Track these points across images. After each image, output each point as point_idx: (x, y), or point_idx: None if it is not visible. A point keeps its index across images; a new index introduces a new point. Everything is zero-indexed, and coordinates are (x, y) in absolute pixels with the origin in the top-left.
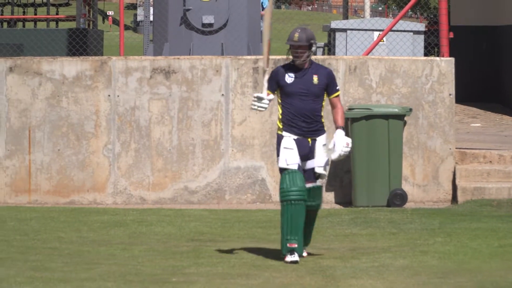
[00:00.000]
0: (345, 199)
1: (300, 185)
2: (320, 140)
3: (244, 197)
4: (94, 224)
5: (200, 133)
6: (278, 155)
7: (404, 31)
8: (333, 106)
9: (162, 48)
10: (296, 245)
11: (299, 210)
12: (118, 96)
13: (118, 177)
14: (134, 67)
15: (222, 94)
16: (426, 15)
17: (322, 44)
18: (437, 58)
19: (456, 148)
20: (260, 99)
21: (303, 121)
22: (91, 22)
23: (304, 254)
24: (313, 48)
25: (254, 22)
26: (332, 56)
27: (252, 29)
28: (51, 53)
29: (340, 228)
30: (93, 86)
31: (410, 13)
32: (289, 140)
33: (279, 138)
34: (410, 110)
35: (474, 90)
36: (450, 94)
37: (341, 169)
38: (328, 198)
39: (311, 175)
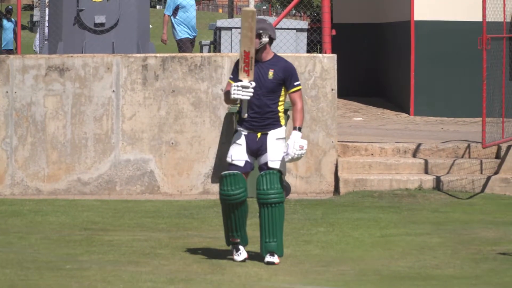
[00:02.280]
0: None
1: (240, 186)
2: (273, 134)
3: (134, 188)
4: None
5: (92, 127)
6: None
7: (288, 28)
8: (292, 103)
9: (56, 47)
10: (239, 240)
11: (242, 209)
12: (15, 92)
13: (15, 169)
14: (31, 65)
15: (113, 90)
16: (309, 13)
17: (208, 42)
18: (320, 55)
19: (338, 141)
20: (245, 87)
21: (253, 116)
22: None
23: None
24: (264, 39)
25: (143, 21)
26: (218, 54)
27: (141, 28)
28: None
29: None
30: None
31: (294, 11)
32: (239, 135)
33: (234, 132)
34: None
35: (356, 85)
36: (332, 89)
37: (226, 161)
38: (214, 189)
39: (266, 169)
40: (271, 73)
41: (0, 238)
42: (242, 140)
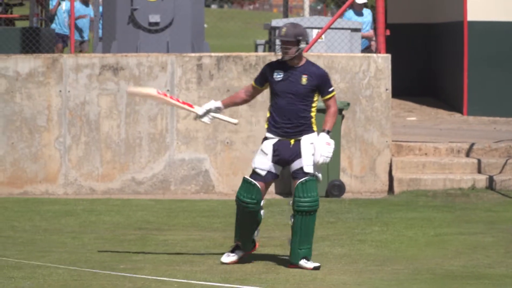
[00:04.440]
0: (286, 190)
1: (253, 197)
2: (306, 139)
3: (188, 187)
4: (46, 213)
5: (146, 126)
6: None
7: (342, 28)
8: (326, 107)
9: (110, 46)
10: (239, 243)
11: (252, 219)
12: (69, 91)
13: (69, 168)
14: (84, 64)
15: (168, 90)
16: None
17: (263, 41)
18: (374, 55)
19: (393, 141)
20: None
21: (286, 122)
22: (43, 21)
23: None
24: (302, 45)
25: (198, 21)
26: (272, 53)
27: (196, 28)
28: (5, 51)
29: (281, 217)
30: (45, 82)
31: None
32: (268, 144)
33: (264, 138)
34: (348, 104)
35: (410, 85)
36: (386, 89)
37: None
38: (270, 189)
39: (301, 174)
40: (304, 79)
41: (54, 237)
42: (269, 149)
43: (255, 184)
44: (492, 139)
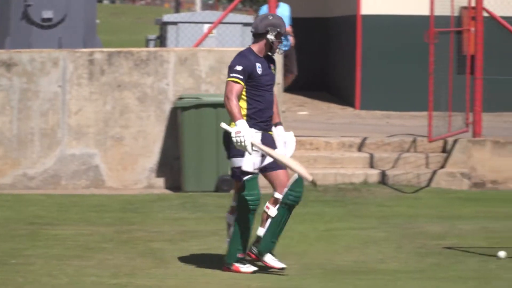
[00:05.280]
0: (175, 184)
1: (258, 193)
2: (280, 131)
3: (79, 182)
4: None
5: (38, 122)
6: (231, 150)
7: (234, 23)
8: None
9: (4, 42)
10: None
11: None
12: None
13: None
14: None
15: (59, 86)
16: (255, 7)
17: (154, 37)
18: None
19: None
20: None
21: (270, 115)
22: None
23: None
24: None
25: (90, 16)
26: (164, 48)
27: (88, 24)
28: None
29: (170, 212)
30: None
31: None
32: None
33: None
34: None
35: (302, 79)
36: (278, 83)
37: (171, 155)
38: (158, 183)
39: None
40: (272, 67)
41: None
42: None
43: (256, 175)
44: (385, 133)
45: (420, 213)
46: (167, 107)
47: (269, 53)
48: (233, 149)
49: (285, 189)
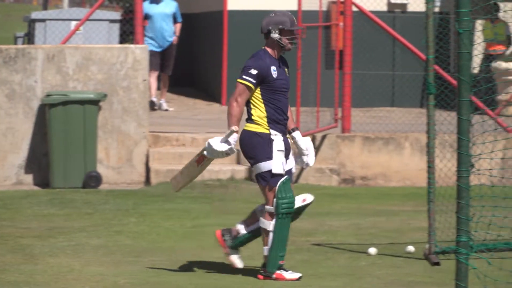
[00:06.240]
0: (43, 181)
1: (293, 195)
2: (294, 136)
3: None
4: None
5: None
6: (257, 155)
7: (101, 20)
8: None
9: None
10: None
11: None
12: None
13: None
14: None
15: None
16: (122, 4)
17: (22, 34)
18: (132, 46)
19: (150, 132)
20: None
21: (285, 118)
22: None
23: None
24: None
25: None
26: (32, 46)
27: None
28: None
29: (38, 208)
30: None
31: (107, 2)
32: (280, 140)
33: (264, 137)
34: (105, 95)
35: (173, 76)
36: (144, 80)
37: (39, 152)
38: (27, 180)
39: (291, 174)
40: (286, 70)
41: None
42: (282, 146)
43: (288, 178)
44: None
45: None
46: (36, 104)
47: (282, 54)
48: (259, 154)
49: (274, 200)
